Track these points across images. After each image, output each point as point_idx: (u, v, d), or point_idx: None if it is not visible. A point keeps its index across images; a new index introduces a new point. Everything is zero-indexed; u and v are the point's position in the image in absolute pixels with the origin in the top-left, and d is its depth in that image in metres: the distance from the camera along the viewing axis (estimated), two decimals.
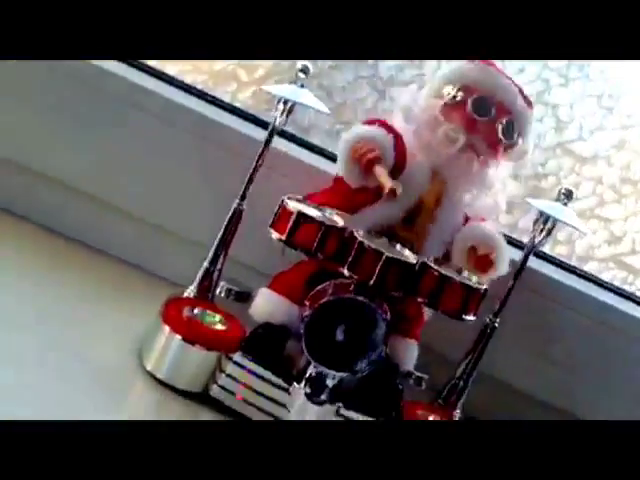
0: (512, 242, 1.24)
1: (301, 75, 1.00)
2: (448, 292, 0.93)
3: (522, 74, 1.32)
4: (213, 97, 1.26)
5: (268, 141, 1.02)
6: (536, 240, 1.02)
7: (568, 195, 1.00)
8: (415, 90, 1.05)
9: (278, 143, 1.06)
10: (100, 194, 1.16)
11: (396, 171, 0.97)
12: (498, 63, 1.08)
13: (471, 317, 0.96)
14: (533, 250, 1.03)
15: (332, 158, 1.09)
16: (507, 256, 1.01)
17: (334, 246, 0.93)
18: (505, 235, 1.25)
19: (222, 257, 1.06)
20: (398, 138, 0.98)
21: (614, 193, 1.35)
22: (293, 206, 0.92)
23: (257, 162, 1.03)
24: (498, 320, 1.06)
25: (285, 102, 1.00)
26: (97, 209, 1.17)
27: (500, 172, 1.04)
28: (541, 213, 1.00)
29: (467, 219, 1.04)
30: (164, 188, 1.17)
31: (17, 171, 1.13)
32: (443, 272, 0.94)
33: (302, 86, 0.99)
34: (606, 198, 1.35)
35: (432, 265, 0.94)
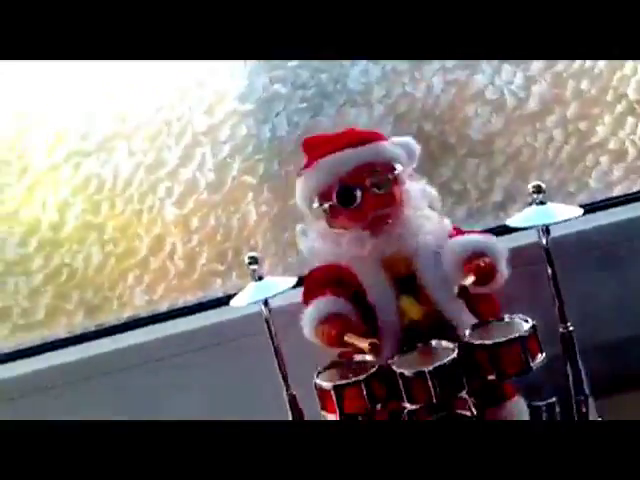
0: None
1: (252, 267, 1.02)
2: (505, 355, 0.92)
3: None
4: (210, 302, 1.32)
5: (268, 327, 1.03)
6: (543, 242, 1.00)
7: (538, 190, 0.98)
8: (302, 230, 1.08)
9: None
10: None
11: (360, 300, 1.00)
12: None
13: (539, 359, 0.94)
14: (550, 255, 1.00)
15: None
16: (503, 253, 0.99)
17: (382, 389, 0.93)
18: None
19: None
20: (346, 285, 1.01)
21: (586, 121, 1.30)
22: (326, 385, 0.94)
23: (273, 344, 1.04)
24: (570, 324, 1.03)
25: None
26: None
27: (413, 193, 1.05)
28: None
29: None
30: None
31: None
32: (488, 342, 0.92)
33: (260, 278, 1.01)
34: (582, 129, 1.30)
35: (474, 342, 0.93)
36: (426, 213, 1.05)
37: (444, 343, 0.95)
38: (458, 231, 1.08)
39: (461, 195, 1.32)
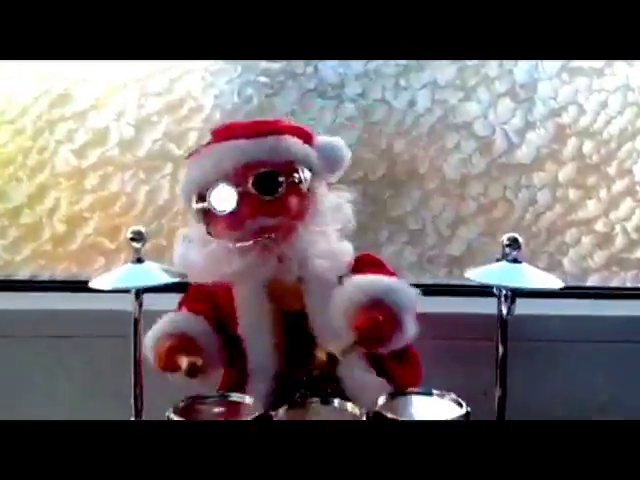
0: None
1: (135, 245, 0.78)
2: None
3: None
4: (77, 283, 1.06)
5: (135, 331, 0.80)
6: (503, 312, 0.78)
7: (513, 244, 0.76)
8: (184, 235, 0.85)
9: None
10: None
11: (228, 322, 0.81)
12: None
13: None
14: (507, 325, 0.79)
15: None
16: (409, 306, 0.75)
17: None
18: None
19: None
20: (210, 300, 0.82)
21: (579, 190, 1.11)
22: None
23: (134, 349, 0.80)
24: None
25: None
26: None
27: (324, 208, 0.82)
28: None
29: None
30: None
31: None
32: (401, 419, 0.70)
33: (140, 260, 0.77)
34: (572, 198, 1.11)
35: (387, 415, 0.70)
36: (325, 230, 0.81)
37: (350, 406, 0.72)
38: (365, 259, 0.85)
39: (416, 236, 1.11)
